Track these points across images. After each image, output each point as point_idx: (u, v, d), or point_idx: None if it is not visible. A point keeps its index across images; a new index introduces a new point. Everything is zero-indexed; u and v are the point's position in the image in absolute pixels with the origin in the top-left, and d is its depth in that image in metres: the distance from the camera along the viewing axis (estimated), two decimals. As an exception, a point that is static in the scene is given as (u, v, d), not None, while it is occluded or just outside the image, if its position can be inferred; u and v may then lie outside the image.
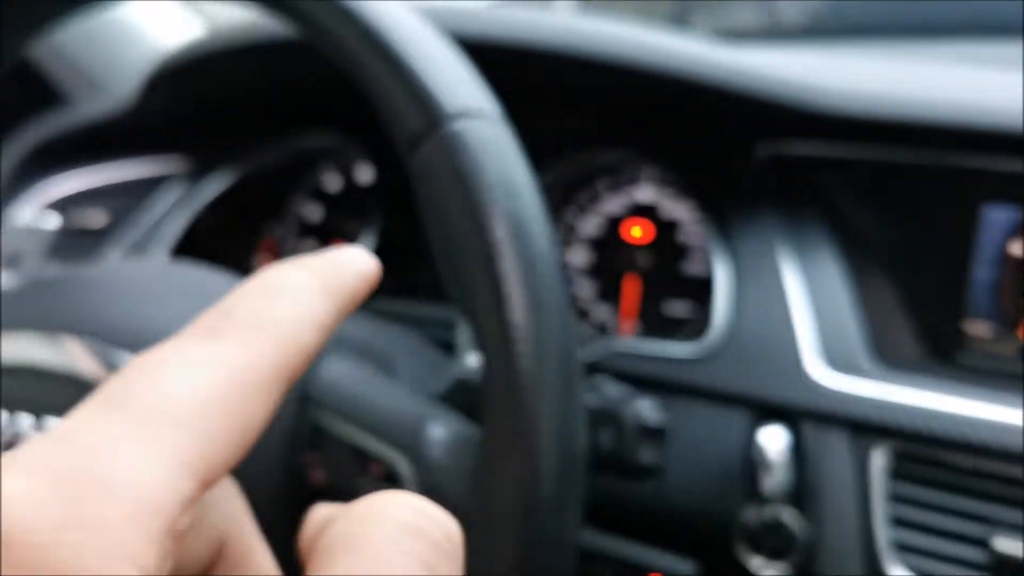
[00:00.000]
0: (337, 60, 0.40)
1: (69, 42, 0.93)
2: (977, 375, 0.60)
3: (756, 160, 0.66)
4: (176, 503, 0.16)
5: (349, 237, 0.87)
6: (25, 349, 0.43)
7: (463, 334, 0.51)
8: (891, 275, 0.63)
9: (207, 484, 0.17)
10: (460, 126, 0.38)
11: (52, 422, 0.42)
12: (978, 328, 0.61)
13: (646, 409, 0.45)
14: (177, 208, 0.85)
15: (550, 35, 0.60)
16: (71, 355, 0.42)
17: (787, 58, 0.67)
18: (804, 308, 0.60)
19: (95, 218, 0.86)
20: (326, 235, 0.89)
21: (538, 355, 0.36)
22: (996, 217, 0.61)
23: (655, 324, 0.73)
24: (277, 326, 0.19)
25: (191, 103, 0.84)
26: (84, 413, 0.17)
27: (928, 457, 0.54)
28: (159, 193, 0.87)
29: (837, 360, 0.57)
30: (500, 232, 0.37)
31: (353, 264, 0.22)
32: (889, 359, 0.59)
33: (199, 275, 0.49)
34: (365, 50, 0.39)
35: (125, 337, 0.42)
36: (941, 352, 0.62)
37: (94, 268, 0.49)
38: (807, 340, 0.58)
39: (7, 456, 0.16)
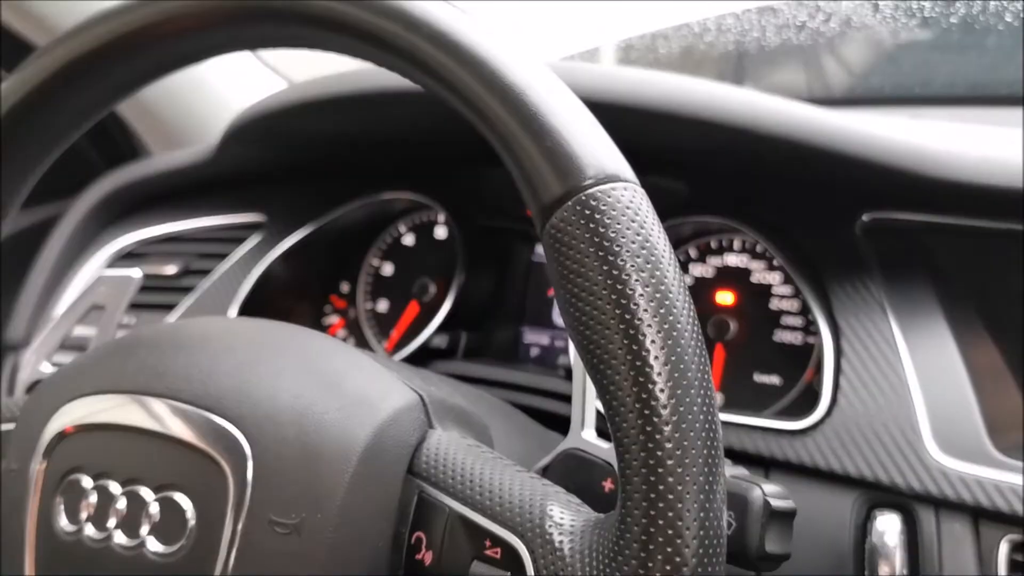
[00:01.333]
0: (470, 119, 0.39)
1: (151, 98, 0.94)
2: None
3: (861, 225, 0.63)
4: None
5: (420, 295, 0.85)
6: (111, 411, 0.42)
7: (577, 404, 0.49)
8: (1004, 351, 0.60)
9: None
10: (601, 190, 0.36)
11: (142, 490, 0.41)
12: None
13: (774, 492, 0.42)
14: (251, 259, 0.85)
15: (661, 94, 0.59)
16: (157, 416, 0.41)
17: (885, 123, 0.65)
18: (916, 383, 0.57)
19: (169, 267, 0.85)
20: (398, 292, 0.88)
21: (681, 436, 0.34)
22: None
23: (741, 394, 0.71)
24: None
25: (268, 156, 0.83)
26: None
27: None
28: (234, 244, 0.86)
29: (956, 441, 0.54)
30: (643, 303, 0.35)
31: None
32: (1008, 440, 0.56)
33: (269, 330, 0.47)
34: (501, 110, 0.38)
35: (238, 412, 0.41)
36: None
37: (169, 326, 0.48)
38: (923, 418, 0.55)
39: None
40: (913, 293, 0.61)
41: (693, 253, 0.74)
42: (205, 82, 0.97)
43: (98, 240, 0.90)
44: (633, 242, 0.36)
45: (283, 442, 0.40)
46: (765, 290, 0.71)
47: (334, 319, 0.90)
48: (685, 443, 0.34)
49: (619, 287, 0.35)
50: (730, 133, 0.57)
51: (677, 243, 0.75)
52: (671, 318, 0.35)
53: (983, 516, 0.52)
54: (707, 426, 0.35)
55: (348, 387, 0.44)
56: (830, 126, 0.57)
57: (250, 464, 0.40)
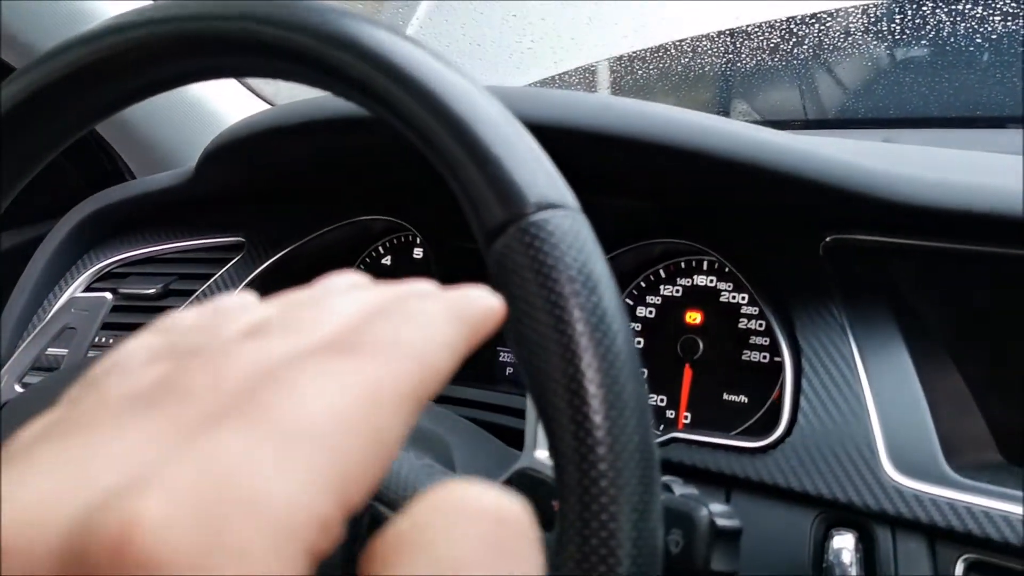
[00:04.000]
0: (418, 146, 0.40)
1: (133, 120, 0.95)
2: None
3: (824, 247, 0.64)
4: (317, 526, 0.15)
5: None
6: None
7: (530, 424, 0.50)
8: (964, 372, 0.61)
9: (348, 506, 0.16)
10: (541, 217, 0.37)
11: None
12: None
13: (721, 511, 0.43)
14: (230, 280, 0.85)
15: (619, 120, 0.60)
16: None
17: (844, 146, 0.66)
18: (873, 403, 0.58)
19: (148, 287, 0.86)
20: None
21: (615, 456, 0.35)
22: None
23: (709, 412, 0.71)
24: (411, 345, 0.19)
25: (246, 179, 0.85)
26: (218, 429, 0.16)
27: (1007, 566, 0.51)
28: (215, 265, 0.87)
29: (911, 461, 0.55)
30: (580, 327, 0.36)
31: (481, 299, 0.22)
32: (966, 459, 0.57)
33: None
34: (447, 139, 0.39)
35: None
36: (1019, 454, 0.59)
37: None
38: (879, 438, 0.56)
39: (140, 471, 0.15)
40: (873, 314, 0.62)
41: (663, 274, 0.75)
42: (187, 104, 0.98)
43: (80, 262, 0.91)
44: (572, 267, 0.37)
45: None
46: (733, 310, 0.72)
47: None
48: (619, 464, 0.35)
49: (557, 311, 0.36)
50: (688, 159, 0.58)
51: (647, 264, 0.76)
52: (607, 341, 0.36)
53: (939, 535, 0.53)
54: (642, 447, 0.36)
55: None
56: (786, 150, 0.58)
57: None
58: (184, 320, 0.24)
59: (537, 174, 0.38)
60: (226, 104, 1.02)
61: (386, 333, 0.19)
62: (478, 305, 0.22)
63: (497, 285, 0.38)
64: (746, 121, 1.03)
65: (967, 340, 0.62)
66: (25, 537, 0.15)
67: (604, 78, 1.04)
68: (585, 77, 1.04)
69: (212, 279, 0.86)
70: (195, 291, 0.86)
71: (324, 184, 0.86)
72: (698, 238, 0.70)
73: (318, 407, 0.16)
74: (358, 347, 0.18)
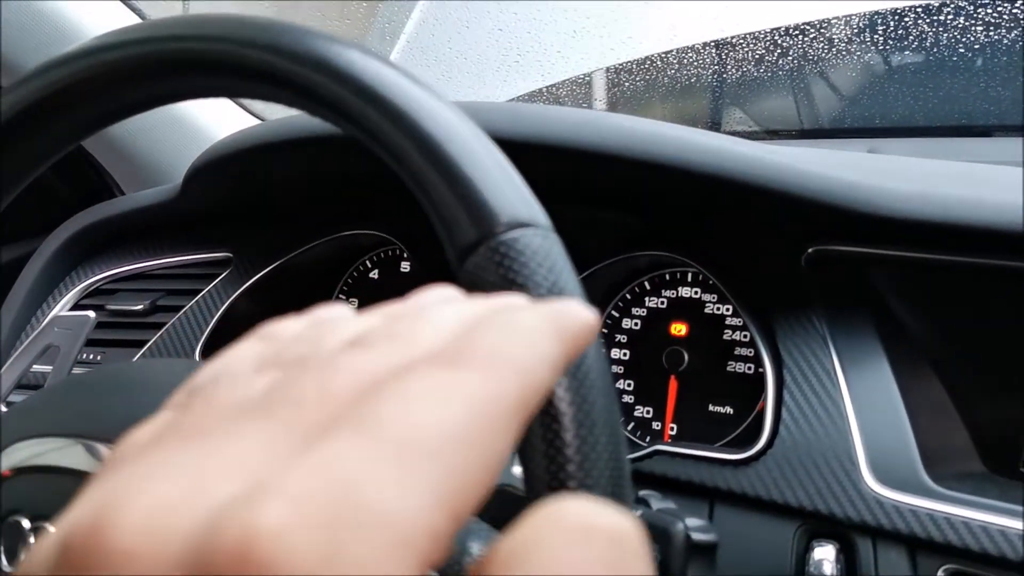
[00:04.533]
0: (388, 163, 0.40)
1: (123, 136, 0.95)
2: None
3: (806, 258, 0.65)
4: (431, 539, 0.15)
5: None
6: (51, 454, 0.43)
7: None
8: (947, 382, 0.61)
9: (458, 520, 0.16)
10: (511, 236, 0.37)
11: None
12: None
13: (697, 525, 0.43)
14: (218, 296, 0.86)
15: (598, 136, 0.60)
16: (96, 459, 0.42)
17: (839, 159, 0.67)
18: (854, 414, 0.58)
19: (136, 304, 0.87)
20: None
21: (585, 473, 0.35)
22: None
23: (695, 423, 0.72)
24: (516, 359, 0.18)
25: (232, 195, 0.85)
26: (333, 439, 0.16)
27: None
28: (203, 281, 0.88)
29: (891, 472, 0.55)
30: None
31: (578, 312, 0.22)
32: (946, 470, 0.57)
33: None
34: (419, 159, 0.39)
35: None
36: (1002, 464, 0.59)
37: (113, 369, 0.49)
38: (860, 450, 0.56)
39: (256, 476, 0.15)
40: (854, 325, 0.62)
41: (648, 285, 0.76)
42: (176, 120, 0.98)
43: (68, 278, 0.92)
44: (542, 285, 0.37)
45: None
46: (718, 321, 0.72)
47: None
48: (589, 481, 0.35)
49: (528, 329, 0.36)
50: (668, 173, 0.58)
51: (633, 276, 0.76)
52: (579, 358, 0.36)
53: (919, 546, 0.53)
54: (612, 463, 0.36)
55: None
56: (764, 164, 0.58)
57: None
58: (287, 329, 0.24)
59: (508, 193, 0.39)
60: (216, 119, 1.02)
61: (491, 346, 0.19)
62: (576, 318, 0.22)
63: (469, 303, 0.39)
64: (733, 131, 1.04)
65: (949, 350, 0.62)
66: (148, 542, 0.15)
67: (591, 90, 1.05)
68: (573, 90, 1.05)
69: (200, 294, 0.86)
70: (183, 307, 0.86)
71: (311, 199, 0.86)
72: (681, 250, 0.70)
73: (430, 419, 0.16)
74: (464, 360, 0.18)
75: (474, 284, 0.38)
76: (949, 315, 0.62)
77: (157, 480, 0.16)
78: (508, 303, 0.21)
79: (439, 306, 0.23)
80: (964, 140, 0.99)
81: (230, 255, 0.88)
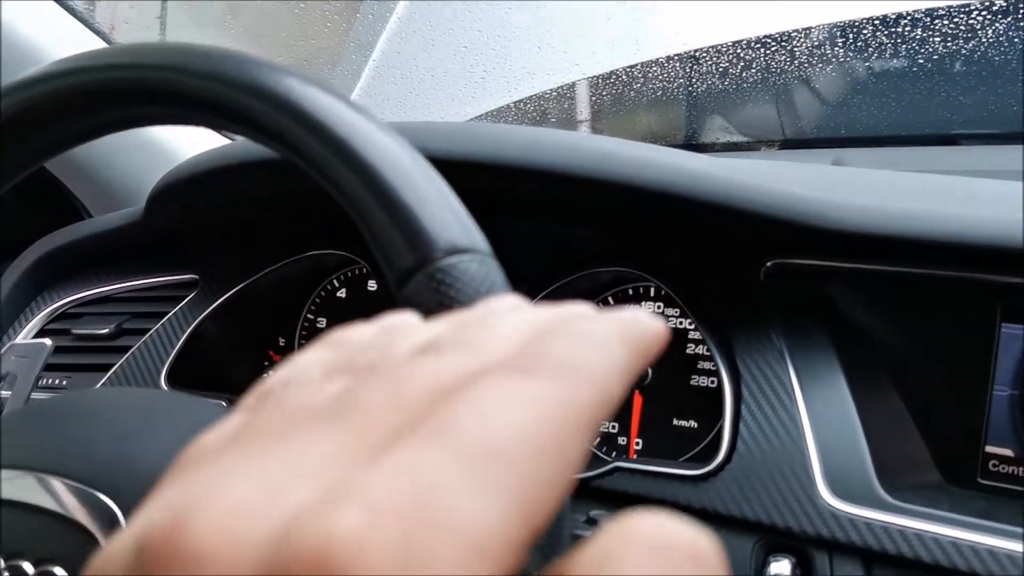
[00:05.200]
0: (328, 191, 0.41)
1: (89, 159, 0.95)
2: (999, 501, 0.58)
3: (765, 271, 0.65)
4: (507, 549, 0.15)
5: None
6: (7, 487, 0.43)
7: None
8: (905, 394, 0.62)
9: (533, 529, 0.16)
10: (448, 263, 0.37)
11: (24, 564, 0.41)
12: (999, 450, 0.59)
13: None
14: (184, 318, 0.86)
15: (556, 153, 0.60)
16: (38, 491, 0.42)
17: (794, 173, 0.67)
18: (810, 428, 0.58)
19: (102, 328, 0.86)
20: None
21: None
22: (1016, 335, 0.60)
23: (659, 438, 0.72)
24: (589, 368, 0.18)
25: (197, 216, 0.85)
26: (408, 445, 0.16)
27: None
28: (170, 303, 0.87)
29: (846, 486, 0.55)
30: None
31: (648, 322, 0.22)
32: (903, 483, 0.57)
33: (158, 401, 0.48)
34: (356, 183, 0.39)
35: (112, 482, 0.42)
36: (960, 475, 0.60)
37: (61, 399, 0.49)
38: (816, 463, 0.56)
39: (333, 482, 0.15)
40: (811, 338, 0.62)
41: (611, 300, 0.76)
42: (144, 141, 0.98)
43: (35, 303, 0.91)
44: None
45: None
46: (681, 336, 0.72)
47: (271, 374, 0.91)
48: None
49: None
50: (619, 190, 0.59)
51: (598, 291, 0.76)
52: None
53: (875, 559, 0.53)
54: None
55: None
56: (713, 179, 0.58)
57: (124, 535, 0.41)
58: (356, 336, 0.24)
59: (445, 219, 0.39)
60: (186, 140, 1.02)
61: (564, 354, 0.18)
62: (646, 328, 0.21)
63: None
64: (700, 145, 1.05)
65: (906, 361, 0.62)
66: (227, 544, 0.15)
67: (559, 106, 1.05)
68: (539, 105, 1.05)
69: (166, 317, 0.86)
70: (149, 330, 0.86)
71: (275, 220, 0.86)
72: (642, 265, 0.70)
73: (505, 426, 0.16)
74: (537, 368, 0.18)
75: (412, 309, 0.38)
76: (906, 327, 0.63)
77: (233, 483, 0.16)
78: (576, 311, 0.21)
79: (507, 314, 0.22)
80: (932, 149, 1.00)
81: (196, 277, 0.87)
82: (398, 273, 0.38)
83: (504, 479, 0.15)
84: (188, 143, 1.01)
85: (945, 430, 0.61)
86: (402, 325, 0.24)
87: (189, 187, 0.76)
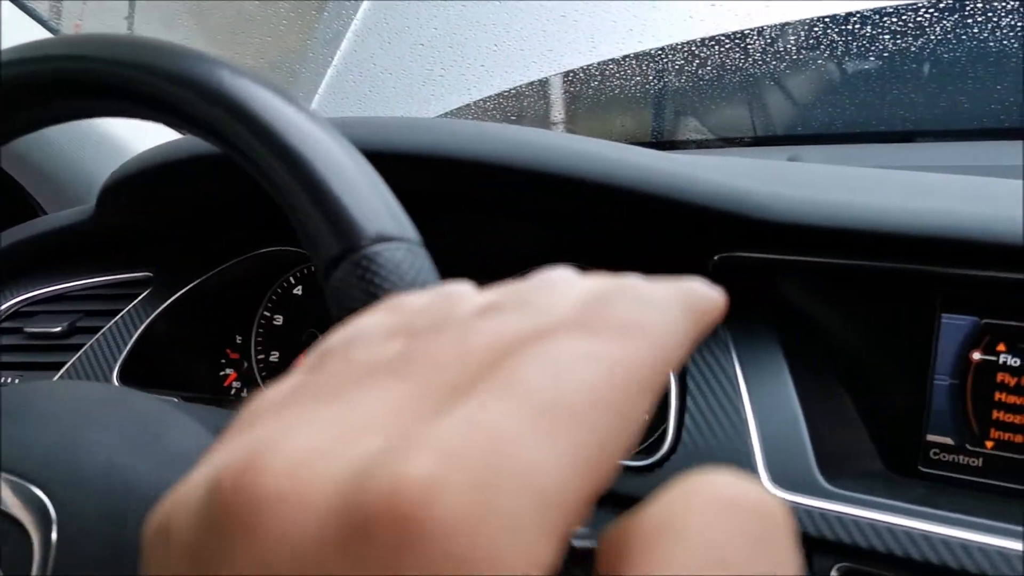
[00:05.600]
0: (259, 181, 0.40)
1: (40, 155, 0.94)
2: (939, 488, 0.58)
3: (712, 265, 0.65)
4: (576, 503, 0.15)
5: (309, 344, 0.86)
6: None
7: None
8: (849, 384, 0.62)
9: (600, 484, 0.16)
10: (374, 251, 0.37)
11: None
12: (940, 438, 0.60)
13: (577, 532, 0.43)
14: (137, 316, 0.85)
15: (502, 148, 0.61)
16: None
17: (741, 167, 0.68)
18: (753, 419, 0.59)
19: (55, 326, 0.86)
20: (289, 342, 0.88)
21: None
22: (956, 324, 0.61)
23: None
24: (651, 330, 0.18)
25: (149, 213, 0.84)
26: (477, 397, 0.16)
27: (878, 574, 0.52)
28: (124, 301, 0.87)
29: (788, 474, 0.56)
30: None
31: (707, 291, 0.22)
32: (845, 472, 0.58)
33: (95, 393, 0.48)
34: (283, 172, 0.39)
35: (47, 476, 0.41)
36: (902, 463, 0.60)
37: (23, 391, 0.48)
38: (759, 454, 0.57)
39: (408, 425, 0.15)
40: (757, 331, 0.63)
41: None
42: (98, 136, 0.97)
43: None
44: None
45: (88, 503, 0.41)
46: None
47: (229, 371, 0.91)
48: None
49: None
50: (561, 184, 0.59)
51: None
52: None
53: (814, 546, 0.54)
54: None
55: (165, 447, 0.44)
56: (655, 172, 0.59)
57: (54, 527, 0.41)
58: (415, 301, 0.24)
59: (373, 207, 0.39)
60: (141, 135, 1.01)
61: (627, 316, 0.18)
62: (705, 296, 0.21)
63: (335, 318, 0.39)
64: (659, 142, 1.05)
65: (850, 352, 0.63)
66: (300, 487, 0.15)
67: (515, 104, 1.06)
68: (499, 103, 1.05)
69: (120, 314, 0.85)
70: (102, 327, 0.85)
71: (229, 216, 0.86)
72: (590, 261, 0.70)
73: (573, 383, 0.16)
74: (601, 328, 0.18)
75: (338, 299, 0.38)
76: (850, 318, 0.63)
77: (304, 431, 0.16)
78: (634, 279, 0.21)
79: (565, 280, 0.22)
80: (887, 146, 1.01)
81: (150, 275, 0.87)
82: (324, 261, 0.38)
83: (573, 433, 0.15)
84: (143, 138, 1.00)
85: (887, 419, 0.61)
86: (461, 291, 0.24)
87: (138, 183, 0.76)
